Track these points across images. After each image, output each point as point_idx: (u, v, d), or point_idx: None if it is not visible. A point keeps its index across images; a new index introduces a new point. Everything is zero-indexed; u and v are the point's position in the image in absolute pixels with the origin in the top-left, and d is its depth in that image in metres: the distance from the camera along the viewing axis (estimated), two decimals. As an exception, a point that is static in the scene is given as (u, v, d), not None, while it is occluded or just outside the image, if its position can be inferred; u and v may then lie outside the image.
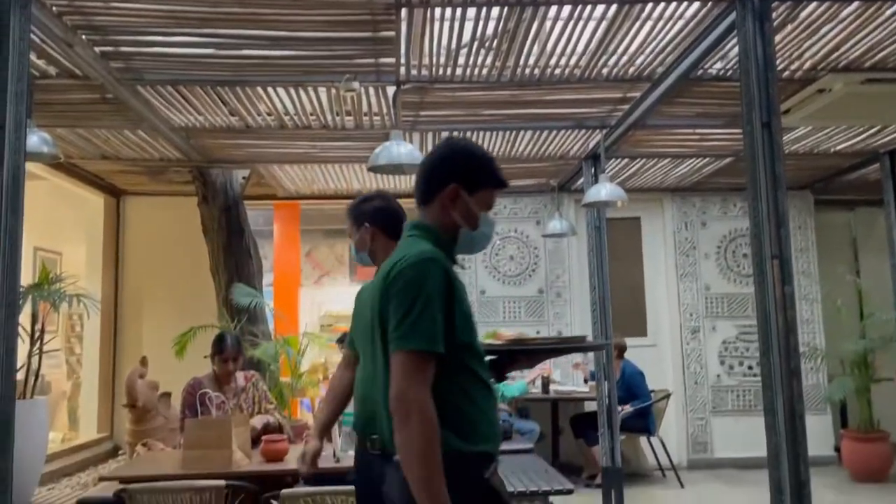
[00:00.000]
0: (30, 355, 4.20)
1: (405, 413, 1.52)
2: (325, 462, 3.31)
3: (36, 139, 3.59)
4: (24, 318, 3.78)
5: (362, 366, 1.97)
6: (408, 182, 6.64)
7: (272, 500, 2.90)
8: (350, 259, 13.85)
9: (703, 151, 5.82)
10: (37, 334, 4.23)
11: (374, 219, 2.52)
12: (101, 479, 3.57)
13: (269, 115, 4.71)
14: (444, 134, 5.23)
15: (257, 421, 3.79)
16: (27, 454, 3.58)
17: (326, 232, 12.45)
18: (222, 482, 2.92)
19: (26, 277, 3.24)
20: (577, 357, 6.82)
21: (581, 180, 6.13)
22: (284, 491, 2.86)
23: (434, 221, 1.81)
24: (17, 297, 2.91)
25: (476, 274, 7.07)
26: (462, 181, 1.78)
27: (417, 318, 1.57)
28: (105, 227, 6.78)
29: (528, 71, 3.97)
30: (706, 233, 7.24)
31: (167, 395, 5.23)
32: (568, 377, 6.76)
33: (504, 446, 5.84)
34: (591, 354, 5.99)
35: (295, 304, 9.66)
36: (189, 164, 5.85)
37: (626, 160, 6.07)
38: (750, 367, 7.00)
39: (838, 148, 5.72)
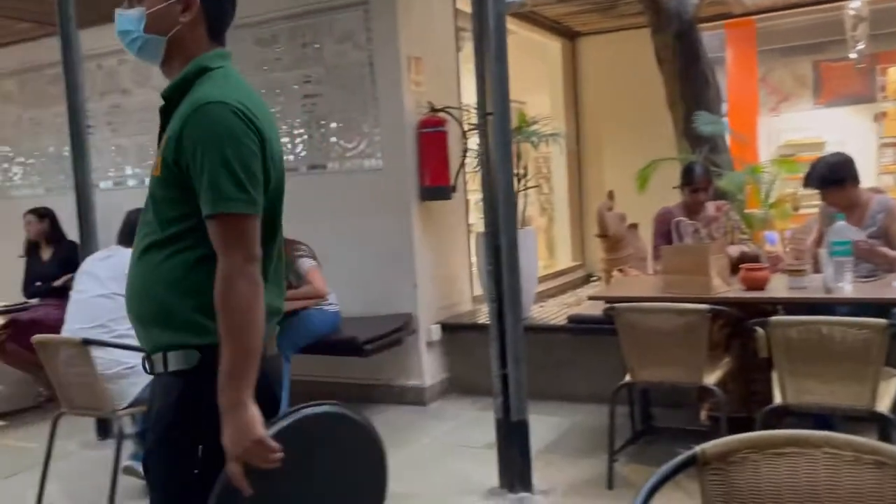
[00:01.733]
0: (517, 191, 4.75)
1: None
2: (816, 292, 3.11)
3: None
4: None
5: None
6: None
7: (757, 328, 2.84)
8: (814, 81, 12.23)
9: None
10: (521, 172, 4.74)
11: None
12: (590, 297, 3.94)
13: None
14: None
15: (733, 250, 3.70)
16: (524, 275, 4.13)
17: (783, 51, 11.09)
18: (705, 306, 2.95)
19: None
20: None
21: None
22: (774, 318, 2.77)
23: None
24: (510, 138, 3.27)
25: None
26: None
27: None
28: (564, 72, 7.14)
29: None
30: None
31: (634, 226, 5.45)
32: None
33: None
34: None
35: (752, 134, 8.99)
36: (640, -9, 5.71)
37: None
38: None
39: None
